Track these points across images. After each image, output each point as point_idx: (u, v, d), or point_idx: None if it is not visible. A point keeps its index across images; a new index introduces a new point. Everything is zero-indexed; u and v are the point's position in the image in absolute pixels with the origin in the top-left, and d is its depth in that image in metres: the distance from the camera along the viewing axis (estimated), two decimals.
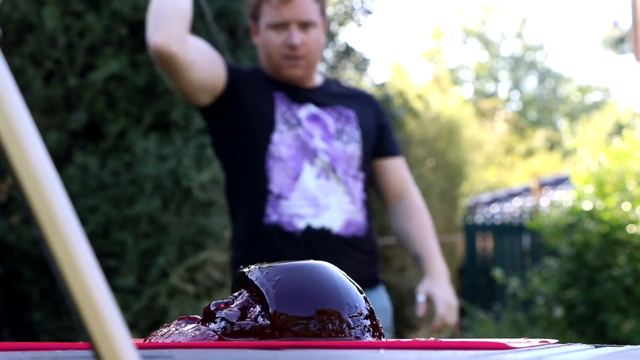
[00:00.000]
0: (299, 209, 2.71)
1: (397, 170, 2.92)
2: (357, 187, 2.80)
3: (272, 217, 2.71)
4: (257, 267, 1.25)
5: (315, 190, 2.71)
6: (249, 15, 2.83)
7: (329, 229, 2.72)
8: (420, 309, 2.80)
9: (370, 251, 2.84)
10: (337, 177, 2.74)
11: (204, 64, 2.68)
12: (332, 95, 2.86)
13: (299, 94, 2.79)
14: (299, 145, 2.73)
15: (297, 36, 2.71)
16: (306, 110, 2.77)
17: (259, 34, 2.78)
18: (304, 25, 2.73)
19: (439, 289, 2.82)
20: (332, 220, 2.72)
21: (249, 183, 2.75)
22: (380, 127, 2.89)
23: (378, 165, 2.90)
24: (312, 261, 1.27)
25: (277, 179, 2.72)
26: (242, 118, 2.75)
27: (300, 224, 2.70)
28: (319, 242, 2.70)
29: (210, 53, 2.73)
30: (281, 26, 2.72)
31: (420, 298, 2.81)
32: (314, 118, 2.76)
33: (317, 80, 2.87)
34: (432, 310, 2.84)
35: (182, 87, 2.67)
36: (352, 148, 2.77)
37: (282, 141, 2.72)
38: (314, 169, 2.72)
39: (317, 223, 2.71)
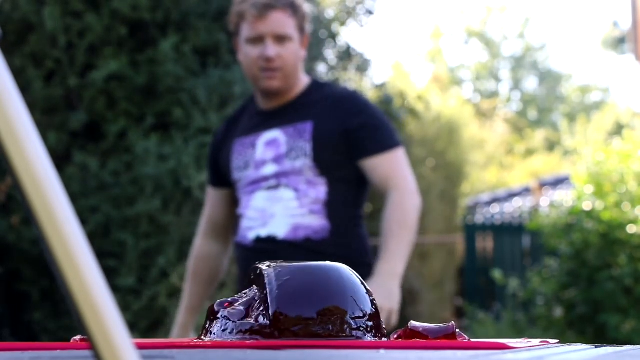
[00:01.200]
0: (250, 222, 2.92)
1: (378, 167, 2.91)
2: (317, 192, 2.86)
3: (238, 235, 2.98)
4: (268, 265, 1.25)
5: (264, 203, 2.89)
6: (232, 32, 3.01)
7: (274, 235, 2.86)
8: None
9: (338, 255, 2.80)
10: (285, 187, 2.88)
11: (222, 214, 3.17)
12: (300, 108, 2.96)
13: (264, 121, 2.99)
14: (251, 181, 2.96)
15: (271, 49, 2.86)
16: (265, 138, 2.96)
17: (240, 50, 2.96)
18: (280, 39, 2.88)
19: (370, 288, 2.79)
20: (277, 227, 2.86)
21: (235, 212, 3.10)
22: (349, 130, 2.90)
23: (362, 167, 2.93)
24: (322, 262, 1.27)
25: (242, 203, 2.99)
26: (222, 176, 3.14)
27: (251, 235, 2.90)
28: (266, 250, 2.85)
29: (213, 208, 3.16)
30: (257, 40, 2.88)
31: None
32: (271, 143, 2.95)
33: (298, 89, 2.98)
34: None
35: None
36: (300, 162, 2.88)
37: (240, 181, 2.99)
38: (265, 188, 2.92)
39: (264, 232, 2.88)
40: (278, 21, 2.86)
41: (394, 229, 2.83)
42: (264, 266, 1.26)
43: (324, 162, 2.87)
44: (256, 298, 1.23)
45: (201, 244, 3.16)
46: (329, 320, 1.19)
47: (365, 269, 2.85)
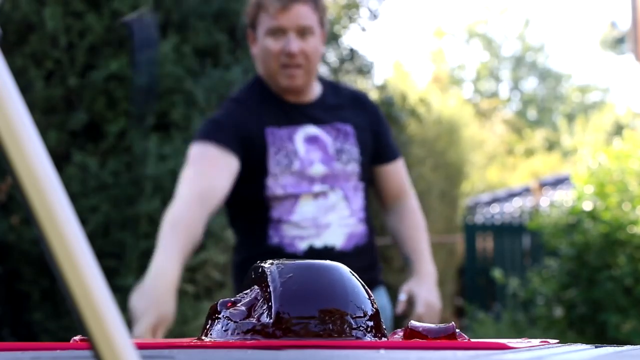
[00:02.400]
0: (299, 230, 2.71)
1: (395, 174, 2.92)
2: (358, 197, 2.80)
3: (274, 239, 2.72)
4: (269, 265, 1.25)
5: (315, 211, 2.71)
6: (248, 24, 2.81)
7: (332, 246, 2.72)
8: (400, 307, 2.79)
9: (371, 256, 2.84)
10: (336, 195, 2.75)
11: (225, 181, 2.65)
12: (330, 109, 2.84)
13: (296, 114, 2.77)
14: (295, 179, 2.72)
15: (294, 43, 2.69)
16: (303, 132, 2.75)
17: (257, 43, 2.76)
18: (302, 32, 2.71)
19: (421, 289, 2.79)
20: (334, 237, 2.73)
21: (252, 215, 2.76)
22: (375, 133, 2.88)
23: (378, 171, 2.90)
24: (323, 261, 1.27)
25: (277, 207, 2.72)
26: (241, 167, 2.71)
27: (302, 245, 2.70)
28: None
29: (218, 169, 2.66)
30: (279, 32, 2.70)
31: (402, 297, 2.80)
32: (313, 140, 2.75)
33: (315, 90, 2.84)
34: (410, 309, 2.83)
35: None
36: (351, 167, 2.77)
37: (276, 183, 2.71)
38: (313, 193, 2.72)
39: (319, 242, 2.71)
40: (301, 14, 2.70)
41: (420, 232, 2.91)
42: (265, 266, 1.26)
43: (365, 167, 2.82)
44: (258, 298, 1.23)
45: (188, 212, 2.58)
46: (330, 319, 1.19)
47: (379, 267, 2.92)
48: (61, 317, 6.24)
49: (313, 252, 2.69)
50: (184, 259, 2.56)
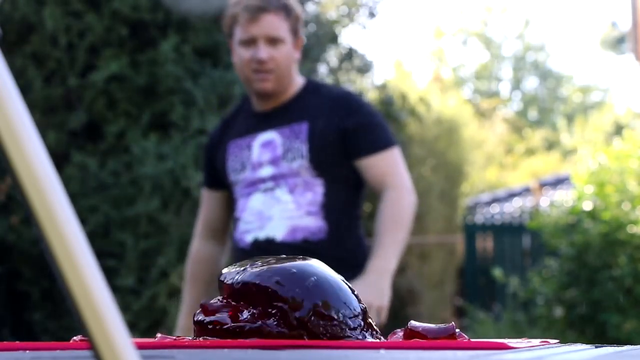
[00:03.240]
0: (247, 225, 2.95)
1: (372, 167, 2.93)
2: (310, 192, 2.88)
3: (235, 237, 3.00)
4: (251, 266, 1.25)
5: (261, 206, 2.91)
6: (226, 35, 3.04)
7: (273, 237, 2.88)
8: None
9: (338, 253, 2.83)
10: (282, 190, 2.90)
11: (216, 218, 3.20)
12: (294, 110, 2.98)
13: (259, 122, 3.01)
14: (247, 183, 2.98)
15: (263, 51, 2.88)
16: (262, 138, 2.98)
17: (234, 52, 2.99)
18: (272, 41, 2.89)
19: (361, 289, 2.72)
20: (275, 229, 2.88)
21: (232, 214, 3.13)
22: (345, 130, 2.92)
23: (358, 166, 2.95)
24: (309, 261, 1.27)
25: (237, 206, 3.02)
26: (219, 177, 3.14)
27: (249, 238, 2.93)
28: (265, 253, 2.81)
29: (209, 212, 3.19)
30: (250, 42, 2.91)
31: None
32: (267, 144, 2.97)
33: (292, 91, 2.99)
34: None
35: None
36: (297, 164, 2.90)
37: (237, 183, 3.01)
38: (262, 190, 2.94)
39: (262, 234, 2.90)
40: (270, 24, 2.88)
41: (387, 226, 2.85)
42: (244, 268, 1.26)
43: (320, 163, 2.89)
44: (249, 299, 1.23)
45: (198, 246, 3.18)
46: (330, 319, 1.19)
47: (359, 270, 2.86)
48: (61, 317, 6.24)
49: (257, 245, 2.89)
50: (196, 306, 3.02)
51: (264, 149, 2.96)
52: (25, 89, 6.22)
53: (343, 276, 2.78)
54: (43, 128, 6.24)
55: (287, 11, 2.90)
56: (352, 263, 2.89)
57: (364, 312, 1.23)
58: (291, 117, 2.96)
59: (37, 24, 6.36)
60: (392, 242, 2.82)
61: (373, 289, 2.75)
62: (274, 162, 2.93)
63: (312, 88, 3.04)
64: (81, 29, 6.40)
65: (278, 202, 2.88)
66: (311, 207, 2.86)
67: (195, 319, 1.24)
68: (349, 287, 1.25)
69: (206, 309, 1.23)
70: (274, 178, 2.91)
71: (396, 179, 2.91)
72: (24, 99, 0.67)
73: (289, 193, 2.89)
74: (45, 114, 6.37)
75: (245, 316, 1.20)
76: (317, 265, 1.26)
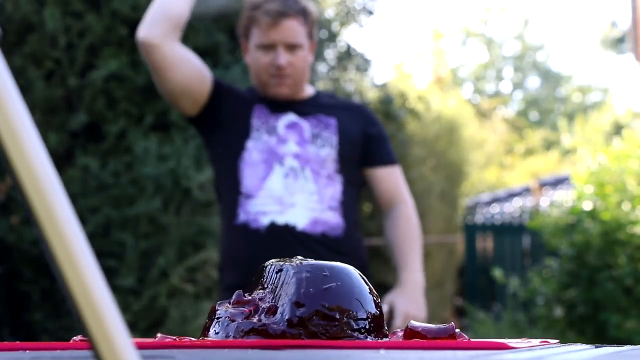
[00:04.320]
0: (264, 206, 2.83)
1: (386, 179, 2.98)
2: (332, 187, 2.87)
3: (241, 216, 2.85)
4: (271, 265, 1.26)
5: (281, 189, 2.83)
6: (241, 34, 2.98)
7: (294, 225, 2.81)
8: None
9: (348, 254, 2.85)
10: (305, 177, 2.85)
11: (187, 69, 2.86)
12: (317, 106, 2.98)
13: (281, 105, 2.94)
14: (270, 150, 2.87)
15: (283, 57, 2.86)
16: (285, 119, 2.91)
17: (249, 53, 2.94)
18: (291, 47, 2.88)
19: (402, 300, 2.84)
20: (297, 217, 2.82)
21: (226, 187, 2.92)
22: (367, 136, 2.97)
23: (369, 174, 2.98)
24: (330, 262, 1.27)
25: (247, 181, 2.86)
26: (221, 128, 2.93)
27: (265, 221, 2.82)
28: (283, 238, 2.81)
29: (197, 63, 2.90)
30: (269, 47, 2.87)
31: (383, 307, 2.83)
32: (292, 125, 2.91)
33: (306, 93, 2.99)
34: (389, 320, 2.84)
35: (165, 87, 2.86)
36: (325, 152, 2.88)
37: (255, 147, 2.88)
38: (282, 170, 2.85)
39: (281, 219, 2.82)
40: (290, 30, 2.87)
41: (410, 240, 2.94)
42: (264, 267, 1.26)
43: (345, 159, 2.91)
44: (260, 298, 1.23)
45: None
46: (330, 319, 1.19)
47: (366, 272, 2.91)
48: (61, 317, 6.24)
49: (274, 228, 2.80)
50: None
51: (289, 129, 2.90)
52: (25, 89, 6.22)
53: None
54: (44, 128, 6.24)
55: (305, 15, 2.91)
56: (360, 263, 2.93)
57: (379, 315, 1.23)
58: (317, 110, 2.95)
59: (37, 24, 6.36)
60: (417, 256, 2.94)
61: (413, 301, 2.85)
62: (300, 143, 2.88)
63: (325, 94, 3.10)
64: (81, 29, 6.40)
65: (301, 190, 2.84)
66: (332, 202, 2.86)
67: (217, 307, 1.24)
68: (370, 290, 1.26)
69: (237, 301, 1.24)
70: (299, 157, 2.86)
71: (406, 195, 3.01)
72: (24, 99, 0.67)
73: (313, 184, 2.85)
74: (45, 115, 6.37)
75: (254, 315, 1.21)
76: (343, 270, 1.26)
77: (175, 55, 2.83)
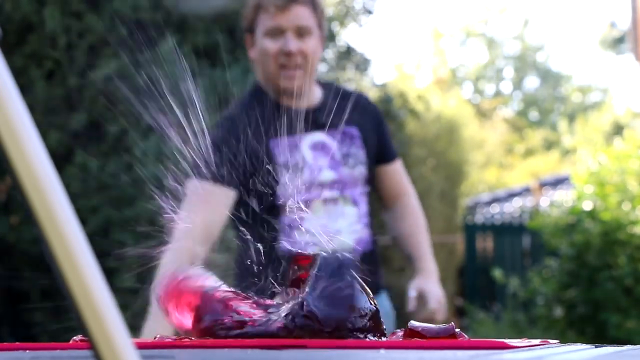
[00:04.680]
0: (309, 237, 2.73)
1: (395, 174, 2.96)
2: (364, 202, 2.82)
3: (285, 248, 2.73)
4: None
5: (325, 218, 2.71)
6: (245, 29, 2.81)
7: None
8: (412, 304, 2.84)
9: (374, 261, 2.87)
10: (345, 200, 2.76)
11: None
12: (334, 112, 2.78)
13: (299, 121, 2.71)
14: (305, 187, 2.72)
15: (293, 43, 2.69)
16: (309, 139, 2.73)
17: (255, 46, 2.76)
18: (301, 33, 2.71)
19: (431, 286, 2.87)
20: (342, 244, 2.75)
21: (261, 224, 2.76)
22: (379, 136, 2.91)
23: (379, 171, 2.93)
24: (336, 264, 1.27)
25: (288, 214, 2.72)
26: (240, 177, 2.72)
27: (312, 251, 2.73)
28: None
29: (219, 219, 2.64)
30: (277, 32, 2.70)
31: (412, 293, 2.86)
32: (319, 146, 2.74)
33: (315, 93, 2.83)
34: (422, 305, 2.87)
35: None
36: (358, 170, 2.78)
37: (285, 192, 2.67)
38: (322, 199, 2.72)
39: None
40: (300, 13, 2.70)
41: (421, 231, 2.94)
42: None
43: (370, 170, 2.83)
44: (260, 298, 1.23)
45: (194, 249, 2.62)
46: (330, 320, 1.19)
47: (381, 271, 2.95)
48: (61, 317, 6.24)
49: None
50: None
51: (316, 151, 2.73)
52: (25, 89, 6.22)
53: (376, 280, 2.80)
54: (44, 128, 6.24)
55: (314, 5, 2.76)
56: (379, 266, 2.95)
57: (375, 315, 1.23)
58: (337, 120, 2.75)
59: (37, 24, 6.36)
60: (428, 246, 2.95)
61: (440, 289, 2.89)
62: (333, 167, 2.74)
63: (329, 87, 2.91)
64: (81, 29, 6.40)
65: (343, 216, 2.75)
66: (365, 219, 2.80)
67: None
68: (364, 291, 1.26)
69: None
70: (336, 185, 2.74)
71: (409, 186, 2.99)
72: (25, 100, 0.67)
73: (353, 206, 2.77)
74: (46, 115, 6.37)
75: (256, 315, 1.21)
76: (345, 270, 1.26)
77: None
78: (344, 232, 2.75)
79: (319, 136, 2.73)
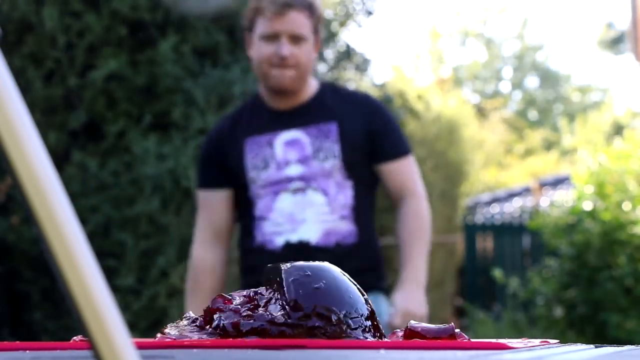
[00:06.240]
0: (277, 226, 2.85)
1: (398, 173, 2.94)
2: (345, 195, 2.85)
3: (258, 238, 2.89)
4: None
5: (292, 207, 2.84)
6: (245, 28, 2.95)
7: (307, 241, 2.82)
8: (391, 318, 2.85)
9: (364, 259, 2.85)
10: (314, 191, 2.84)
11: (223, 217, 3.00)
12: (318, 109, 2.93)
13: (280, 120, 2.92)
14: (271, 184, 2.88)
15: (286, 48, 2.82)
16: (284, 137, 2.89)
17: (253, 46, 2.91)
18: (295, 39, 2.84)
19: (400, 298, 2.84)
20: (309, 232, 2.83)
21: (243, 214, 2.98)
22: (371, 132, 2.92)
23: (379, 170, 2.94)
24: (315, 263, 1.27)
25: (260, 204, 2.89)
26: (230, 185, 2.99)
27: (279, 241, 2.84)
28: (298, 256, 2.78)
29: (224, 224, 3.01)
30: (272, 37, 2.84)
31: (392, 309, 2.87)
32: (292, 142, 2.89)
33: (310, 91, 2.94)
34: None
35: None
36: (330, 163, 2.85)
37: (256, 181, 2.89)
38: (290, 190, 2.85)
39: (294, 237, 2.83)
40: (295, 21, 2.83)
41: (415, 237, 2.92)
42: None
43: (351, 164, 2.87)
44: (255, 297, 1.23)
45: (202, 254, 3.00)
46: (329, 319, 1.19)
47: (380, 272, 2.94)
48: (61, 317, 6.24)
49: (289, 247, 2.81)
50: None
51: (289, 147, 2.88)
52: (25, 89, 6.22)
53: (367, 279, 2.81)
54: (43, 128, 6.24)
55: (311, 10, 2.87)
56: (374, 265, 2.93)
57: (371, 315, 1.23)
58: (317, 116, 2.90)
59: (36, 23, 6.36)
60: (420, 254, 2.91)
61: (414, 299, 2.83)
62: (303, 161, 2.86)
63: (330, 89, 3.03)
64: (80, 29, 6.40)
65: (311, 205, 2.83)
66: (344, 211, 2.84)
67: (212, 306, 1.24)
68: (360, 291, 1.26)
69: (227, 300, 1.24)
70: (304, 178, 2.85)
71: (416, 187, 2.97)
72: (25, 99, 0.67)
73: (322, 195, 2.84)
74: (45, 114, 6.37)
75: (251, 315, 1.20)
76: (331, 270, 1.26)
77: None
78: (309, 221, 2.83)
79: (294, 134, 2.89)
